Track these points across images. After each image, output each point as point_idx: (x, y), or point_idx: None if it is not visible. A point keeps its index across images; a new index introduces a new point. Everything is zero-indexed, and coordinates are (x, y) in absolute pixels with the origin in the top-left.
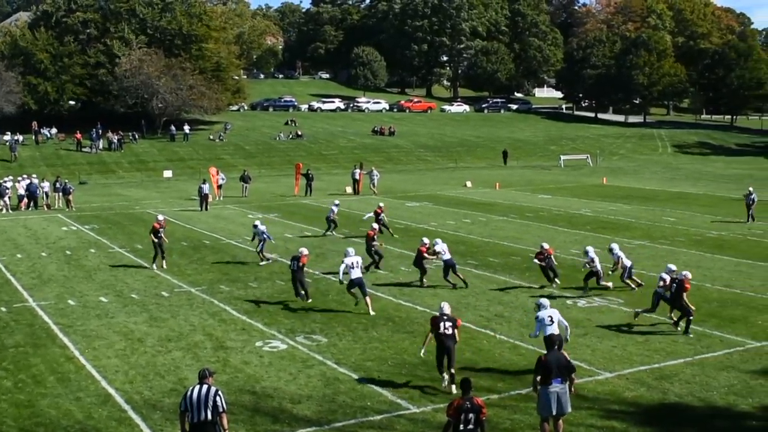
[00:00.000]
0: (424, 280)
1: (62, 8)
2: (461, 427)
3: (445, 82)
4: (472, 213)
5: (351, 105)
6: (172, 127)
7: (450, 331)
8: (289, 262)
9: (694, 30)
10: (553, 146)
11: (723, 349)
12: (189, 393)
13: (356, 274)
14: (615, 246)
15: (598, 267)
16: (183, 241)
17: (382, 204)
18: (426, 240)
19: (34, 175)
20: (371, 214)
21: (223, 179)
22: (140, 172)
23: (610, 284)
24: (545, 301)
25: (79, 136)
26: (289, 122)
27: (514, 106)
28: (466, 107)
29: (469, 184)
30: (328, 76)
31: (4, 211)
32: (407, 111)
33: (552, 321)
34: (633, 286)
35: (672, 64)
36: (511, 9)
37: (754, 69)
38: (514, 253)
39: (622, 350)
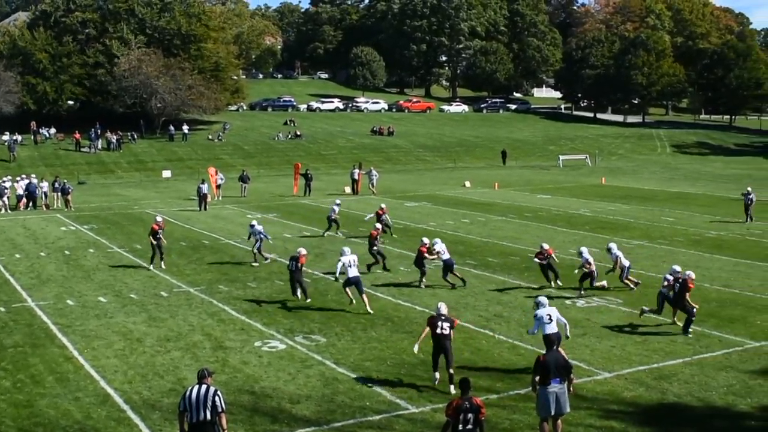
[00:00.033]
0: (424, 280)
1: (61, 8)
2: (460, 427)
3: (444, 82)
4: (471, 213)
5: (350, 105)
6: (171, 127)
7: (447, 332)
8: (287, 262)
9: (692, 30)
10: (552, 146)
11: (722, 349)
12: (188, 393)
13: (353, 272)
14: (613, 245)
15: (593, 268)
16: (182, 241)
17: (383, 205)
18: (426, 240)
19: (33, 175)
20: (373, 215)
21: (222, 179)
22: (139, 172)
23: (604, 283)
24: (544, 300)
25: (77, 136)
26: (288, 122)
27: (513, 106)
28: (465, 107)
29: (467, 184)
30: (326, 76)
31: (3, 211)
32: (406, 111)
33: (551, 319)
34: (632, 286)
35: (671, 64)
36: (510, 9)
37: (752, 69)
38: (513, 253)
39: (620, 350)
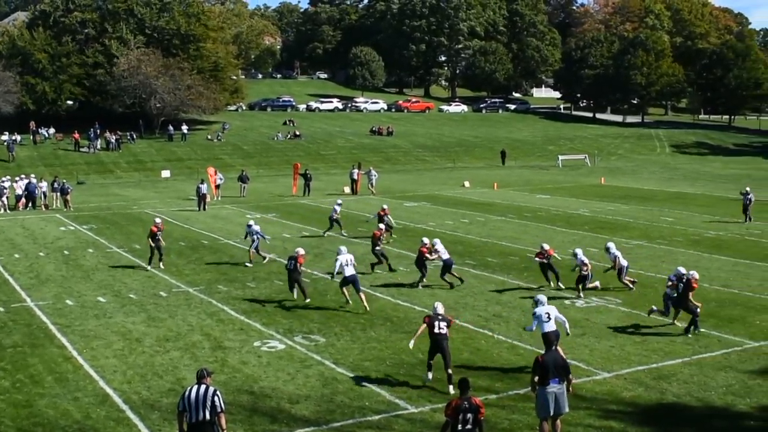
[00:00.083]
0: (424, 281)
1: (60, 8)
2: (459, 427)
3: (443, 82)
4: (471, 213)
5: (349, 105)
6: (170, 127)
7: (444, 331)
8: (286, 262)
9: (692, 30)
10: (551, 146)
11: (721, 349)
12: (187, 393)
13: (350, 271)
14: (611, 245)
15: (588, 270)
16: (181, 241)
17: (385, 206)
18: (426, 240)
19: (33, 175)
20: (374, 216)
21: (221, 179)
22: (138, 172)
23: (597, 284)
24: (543, 298)
25: (77, 136)
26: (287, 122)
27: (512, 106)
28: (464, 107)
29: (467, 184)
30: (326, 76)
31: (2, 210)
32: (405, 111)
33: (549, 318)
34: (631, 286)
35: (670, 64)
36: (509, 9)
37: (751, 69)
38: (513, 253)
39: (620, 350)
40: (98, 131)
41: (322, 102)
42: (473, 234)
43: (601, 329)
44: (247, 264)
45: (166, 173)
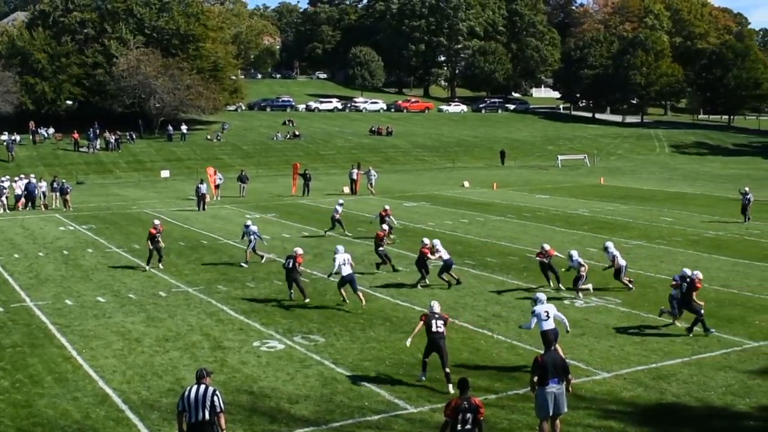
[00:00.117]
0: (426, 281)
1: (60, 8)
2: (459, 427)
3: (443, 82)
4: (470, 213)
5: (348, 105)
6: (170, 127)
7: (442, 330)
8: (284, 261)
9: (691, 30)
10: (551, 146)
11: (720, 349)
12: (186, 393)
13: (347, 270)
14: (610, 244)
15: (585, 271)
16: (180, 241)
17: (387, 206)
18: (426, 241)
19: (32, 175)
20: (376, 217)
21: (220, 179)
22: (137, 172)
23: (589, 286)
24: (542, 296)
25: (76, 136)
26: (287, 122)
27: (512, 106)
28: (464, 107)
29: (466, 184)
30: (325, 76)
31: (2, 210)
32: (405, 111)
33: (548, 316)
34: (631, 286)
35: (669, 64)
36: (509, 9)
37: (751, 69)
38: (512, 253)
39: (619, 350)
40: (97, 131)
41: (322, 102)
42: (472, 234)
43: (601, 329)
44: (243, 264)
45: (165, 173)
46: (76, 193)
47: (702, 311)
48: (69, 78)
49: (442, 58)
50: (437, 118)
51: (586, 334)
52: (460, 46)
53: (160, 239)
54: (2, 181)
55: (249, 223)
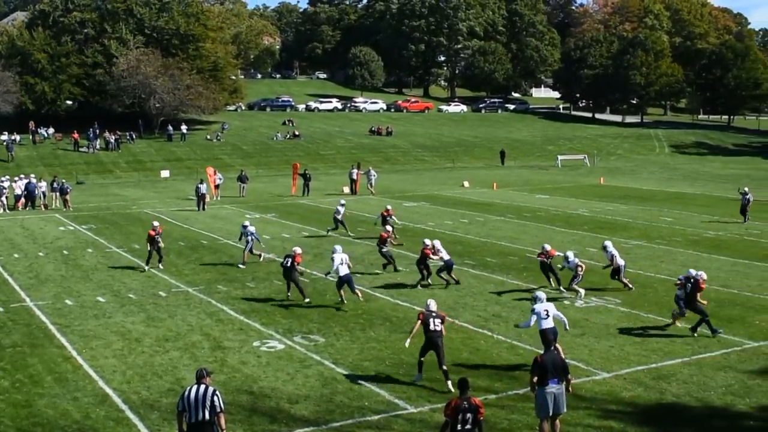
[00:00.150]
0: (429, 282)
1: (59, 8)
2: (459, 427)
3: (443, 82)
4: (470, 213)
5: (348, 105)
6: (170, 127)
7: (439, 328)
8: (282, 259)
9: (691, 30)
10: (551, 146)
11: (720, 349)
12: (186, 393)
13: (344, 271)
14: (608, 243)
15: (581, 272)
16: (180, 241)
17: (389, 206)
18: (428, 242)
19: (33, 175)
20: (379, 217)
21: (220, 179)
22: (137, 172)
23: (582, 291)
24: (542, 295)
25: (76, 135)
26: (287, 122)
27: (512, 106)
28: (464, 107)
29: (466, 184)
30: (325, 76)
31: (2, 210)
32: (404, 111)
33: (548, 315)
34: (630, 286)
35: (669, 65)
36: (509, 9)
37: (751, 69)
38: (512, 253)
39: (619, 350)
40: (97, 131)
41: (322, 102)
42: (472, 234)
43: (601, 329)
44: (240, 265)
45: (165, 173)
46: (76, 193)
47: (707, 312)
48: (69, 78)
49: (442, 58)
50: (437, 118)
51: (586, 334)
52: (460, 46)
53: (159, 240)
54: (2, 181)
55: (247, 223)
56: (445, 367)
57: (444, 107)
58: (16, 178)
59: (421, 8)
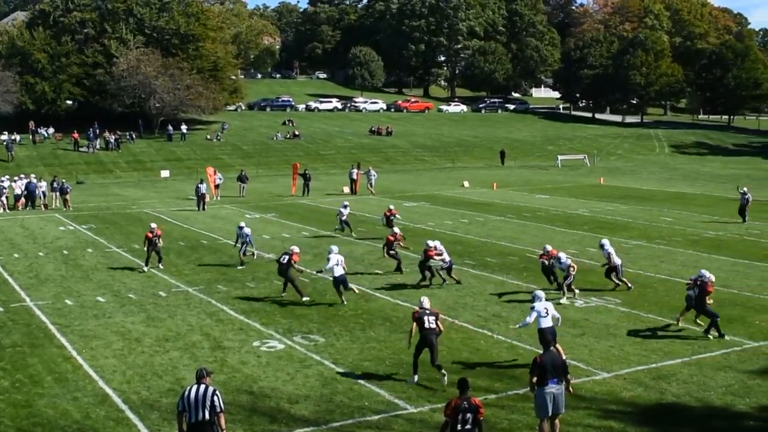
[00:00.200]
0: (431, 283)
1: (60, 8)
2: (459, 427)
3: (443, 82)
4: (470, 213)
5: (348, 105)
6: (170, 127)
7: (433, 325)
8: (279, 256)
9: (691, 30)
10: (551, 146)
11: (720, 349)
12: (186, 393)
13: (339, 271)
14: (605, 242)
15: (573, 272)
16: (180, 241)
17: (392, 206)
18: (431, 243)
19: (33, 175)
20: (383, 218)
21: (220, 179)
22: (137, 171)
23: (576, 291)
24: (541, 293)
25: (76, 135)
26: (287, 122)
27: (512, 106)
28: (464, 107)
29: (466, 184)
30: (325, 76)
31: (2, 210)
32: (404, 111)
33: (547, 313)
34: (630, 285)
35: (669, 65)
36: (509, 9)
37: (751, 69)
38: (512, 253)
39: (619, 350)
40: (97, 131)
41: (322, 102)
42: (472, 234)
43: (601, 329)
44: (239, 266)
45: (165, 173)
46: (76, 193)
47: (717, 314)
48: (69, 78)
49: (442, 58)
50: (437, 118)
51: (586, 334)
52: (460, 46)
53: (158, 242)
54: (2, 181)
55: (243, 224)
56: (437, 363)
57: (444, 107)
58: (16, 178)
59: (421, 8)
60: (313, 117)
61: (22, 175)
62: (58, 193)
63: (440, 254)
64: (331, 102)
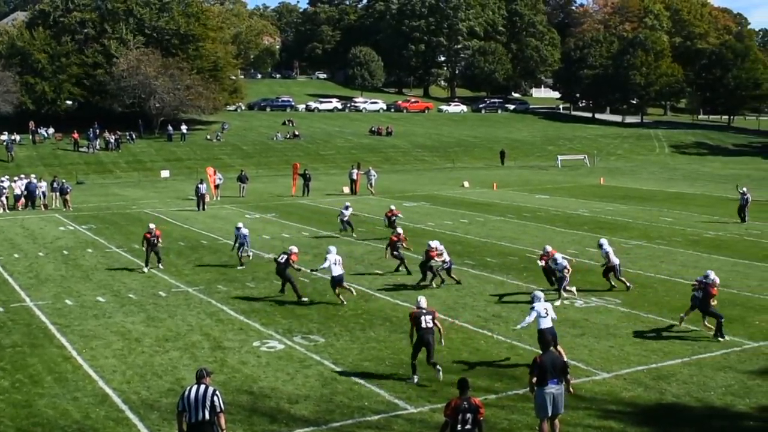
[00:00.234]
0: (432, 284)
1: (60, 8)
2: (459, 427)
3: (443, 83)
4: (470, 213)
5: (348, 105)
6: (170, 127)
7: (430, 325)
8: (278, 255)
9: (691, 30)
10: (551, 146)
11: (720, 350)
12: (186, 393)
13: (337, 271)
14: (604, 241)
15: (567, 274)
16: (180, 241)
17: (393, 206)
18: (432, 244)
19: (33, 175)
20: (385, 219)
21: (220, 179)
22: (137, 172)
23: (573, 289)
24: (540, 294)
25: (76, 135)
26: (287, 122)
27: (512, 107)
28: (464, 107)
29: (466, 184)
30: (325, 76)
31: (2, 210)
32: (404, 111)
33: (547, 313)
34: (629, 284)
35: (669, 65)
36: (509, 9)
37: (751, 69)
38: (512, 254)
39: (619, 350)
40: (97, 131)
41: (322, 102)
42: (472, 234)
43: (601, 329)
44: (239, 267)
45: (165, 173)
46: (76, 193)
47: (722, 315)
48: (69, 78)
49: (442, 58)
50: (437, 118)
51: (586, 334)
52: (459, 46)
53: (156, 242)
54: (2, 181)
55: (240, 225)
56: (433, 360)
57: (444, 107)
58: (16, 178)
59: (421, 8)
60: (313, 117)
61: (22, 176)
62: (58, 194)
63: (440, 255)
64: (331, 102)
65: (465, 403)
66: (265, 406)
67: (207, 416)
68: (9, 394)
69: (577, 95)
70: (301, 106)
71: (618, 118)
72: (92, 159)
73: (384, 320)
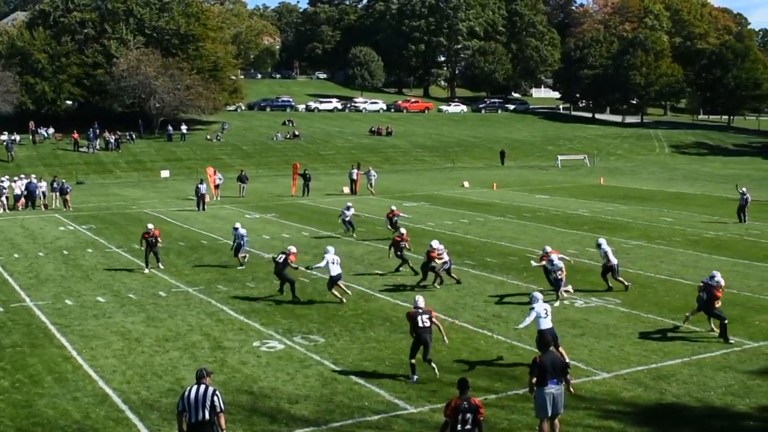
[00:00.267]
0: (438, 286)
1: (60, 8)
2: (459, 427)
3: (443, 83)
4: (470, 213)
5: (348, 105)
6: (170, 127)
7: (427, 324)
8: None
9: (691, 30)
10: (551, 146)
11: (720, 350)
12: (186, 393)
13: (335, 270)
14: (603, 241)
15: (562, 275)
16: (180, 241)
17: (394, 207)
18: (434, 245)
19: (33, 175)
20: (387, 220)
21: (220, 179)
22: (137, 172)
23: (569, 288)
24: (539, 295)
25: (76, 135)
26: (287, 122)
27: (512, 107)
28: (464, 107)
29: (466, 184)
30: (325, 76)
31: (2, 210)
32: (404, 111)
33: (547, 314)
34: (627, 283)
35: (669, 65)
36: (509, 9)
37: (751, 69)
38: (512, 254)
39: (619, 350)
40: (97, 131)
41: (322, 102)
42: (472, 234)
43: (601, 329)
44: (239, 267)
45: (165, 173)
46: (76, 193)
47: (725, 316)
48: (69, 78)
49: (442, 58)
50: (437, 118)
51: (586, 334)
52: (459, 46)
53: (154, 243)
54: (2, 181)
55: (238, 225)
56: (429, 358)
57: (444, 107)
58: (16, 178)
59: (421, 8)
60: (313, 117)
61: (22, 176)
62: (58, 194)
63: (440, 255)
64: (331, 102)
65: (465, 403)
66: (265, 406)
67: (207, 416)
68: (9, 394)
69: (577, 95)
70: (301, 106)
71: (618, 118)
72: (92, 159)
73: (384, 320)
